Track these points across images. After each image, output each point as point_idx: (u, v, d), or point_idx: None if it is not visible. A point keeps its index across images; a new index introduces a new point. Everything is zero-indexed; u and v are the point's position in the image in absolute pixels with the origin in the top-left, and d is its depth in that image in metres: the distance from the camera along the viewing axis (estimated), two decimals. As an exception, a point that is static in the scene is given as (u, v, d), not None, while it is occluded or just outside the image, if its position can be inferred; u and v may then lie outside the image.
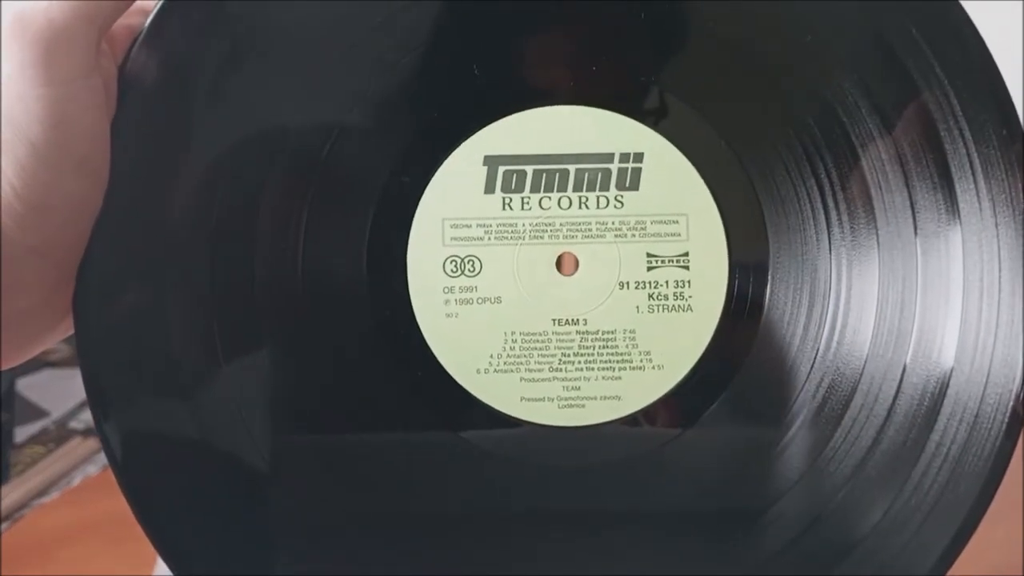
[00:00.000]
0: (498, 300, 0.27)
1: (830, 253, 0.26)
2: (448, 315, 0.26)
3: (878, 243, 0.26)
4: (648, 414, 0.27)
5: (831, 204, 0.26)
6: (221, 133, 0.26)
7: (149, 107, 0.25)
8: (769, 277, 0.26)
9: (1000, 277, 0.25)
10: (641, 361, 0.26)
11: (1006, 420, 0.25)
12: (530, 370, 0.27)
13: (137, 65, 0.25)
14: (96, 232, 0.25)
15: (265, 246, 0.26)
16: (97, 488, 0.55)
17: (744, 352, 0.26)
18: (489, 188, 0.26)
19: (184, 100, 0.25)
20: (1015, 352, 0.25)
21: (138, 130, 0.25)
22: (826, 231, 0.26)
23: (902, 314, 0.26)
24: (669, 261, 0.26)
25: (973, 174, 0.25)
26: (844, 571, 0.26)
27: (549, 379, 0.27)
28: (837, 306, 0.26)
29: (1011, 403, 0.25)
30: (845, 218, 0.26)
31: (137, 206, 0.25)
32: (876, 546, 0.26)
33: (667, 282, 0.26)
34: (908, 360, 0.26)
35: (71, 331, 0.26)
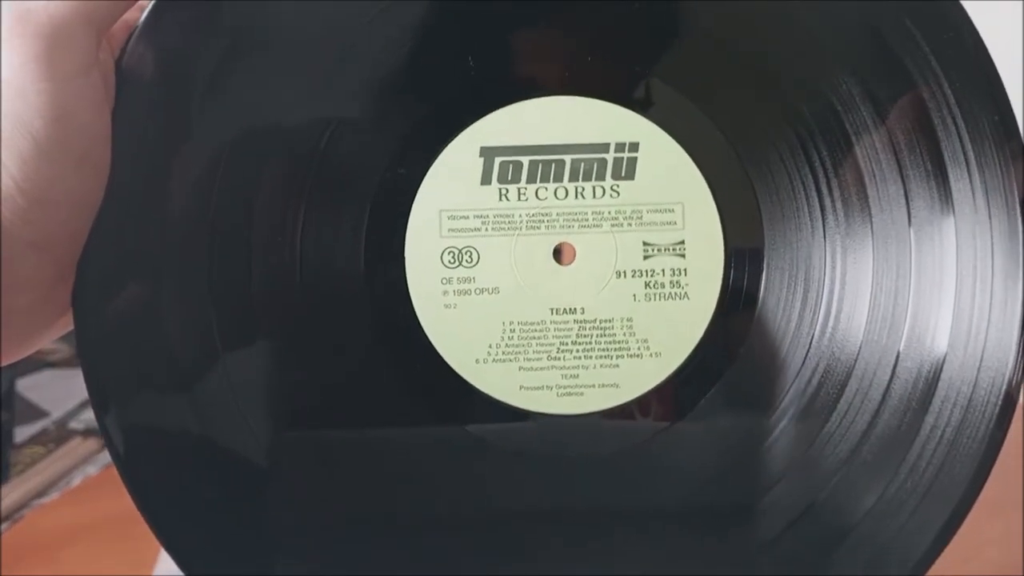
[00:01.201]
0: (496, 291, 0.27)
1: (824, 240, 0.26)
2: (447, 306, 0.27)
3: (872, 231, 0.26)
4: (645, 402, 0.27)
5: (825, 192, 0.26)
6: (217, 128, 0.26)
7: (145, 102, 0.25)
8: (764, 265, 0.26)
9: (993, 265, 0.25)
10: (639, 349, 0.27)
11: (999, 403, 0.25)
12: (529, 359, 0.27)
13: (133, 60, 0.25)
14: (95, 227, 0.25)
15: (263, 240, 0.26)
16: (97, 488, 0.54)
17: (740, 339, 0.27)
18: (486, 179, 0.27)
19: (180, 95, 0.25)
20: (1008, 338, 0.25)
21: (134, 125, 0.25)
22: (820, 219, 0.26)
23: (896, 301, 0.26)
24: (665, 250, 0.27)
25: (967, 164, 0.25)
26: (842, 555, 0.26)
27: (548, 368, 0.27)
28: (832, 293, 0.26)
29: (1004, 387, 0.25)
30: (839, 206, 0.26)
31: (135, 201, 0.25)
32: (872, 529, 0.26)
33: (664, 270, 0.27)
34: (902, 346, 0.26)
35: (69, 327, 0.26)
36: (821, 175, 0.26)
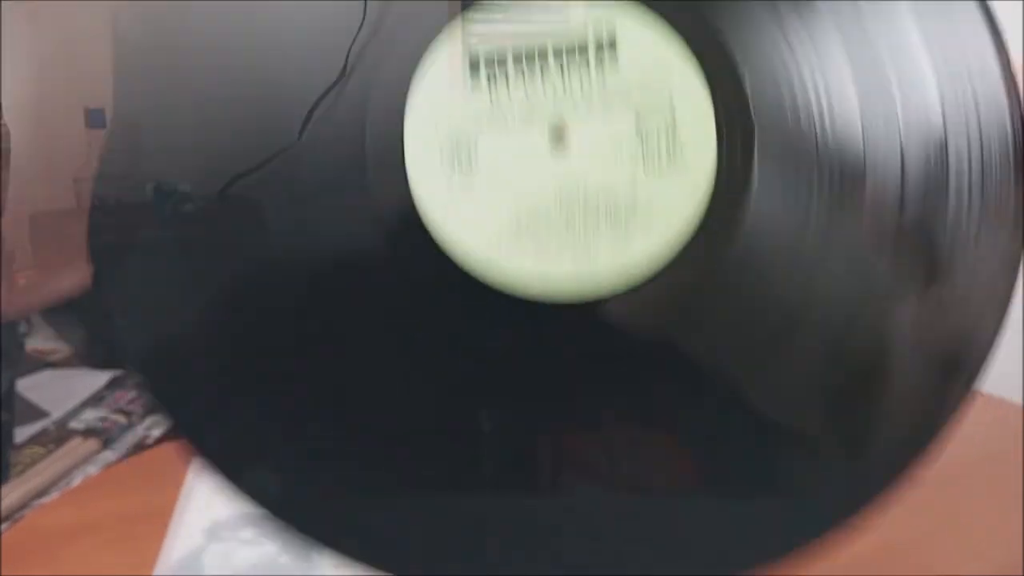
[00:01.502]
0: (500, 185, 0.27)
1: (797, 61, 0.27)
2: (453, 204, 0.27)
3: (842, 37, 0.27)
4: (676, 262, 0.27)
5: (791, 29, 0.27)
6: (212, 87, 0.27)
7: (140, 71, 0.25)
8: (752, 106, 0.27)
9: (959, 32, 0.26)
10: (647, 225, 0.27)
11: (1011, 152, 0.26)
12: (540, 247, 0.27)
13: (124, 30, 0.26)
14: (98, 210, 0.25)
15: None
16: (97, 488, 0.55)
17: (749, 183, 0.27)
18: (474, 79, 0.27)
19: (174, 70, 0.26)
20: (996, 89, 0.26)
21: (133, 103, 0.25)
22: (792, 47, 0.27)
23: (882, 90, 0.27)
24: (659, 123, 0.27)
25: None
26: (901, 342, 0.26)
27: (560, 253, 0.27)
28: (820, 105, 0.27)
29: (1009, 126, 0.26)
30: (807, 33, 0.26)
31: (138, 178, 0.25)
32: (934, 308, 0.26)
33: (659, 144, 0.27)
34: (902, 125, 0.27)
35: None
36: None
